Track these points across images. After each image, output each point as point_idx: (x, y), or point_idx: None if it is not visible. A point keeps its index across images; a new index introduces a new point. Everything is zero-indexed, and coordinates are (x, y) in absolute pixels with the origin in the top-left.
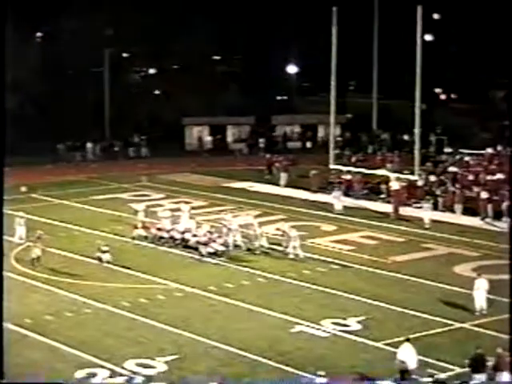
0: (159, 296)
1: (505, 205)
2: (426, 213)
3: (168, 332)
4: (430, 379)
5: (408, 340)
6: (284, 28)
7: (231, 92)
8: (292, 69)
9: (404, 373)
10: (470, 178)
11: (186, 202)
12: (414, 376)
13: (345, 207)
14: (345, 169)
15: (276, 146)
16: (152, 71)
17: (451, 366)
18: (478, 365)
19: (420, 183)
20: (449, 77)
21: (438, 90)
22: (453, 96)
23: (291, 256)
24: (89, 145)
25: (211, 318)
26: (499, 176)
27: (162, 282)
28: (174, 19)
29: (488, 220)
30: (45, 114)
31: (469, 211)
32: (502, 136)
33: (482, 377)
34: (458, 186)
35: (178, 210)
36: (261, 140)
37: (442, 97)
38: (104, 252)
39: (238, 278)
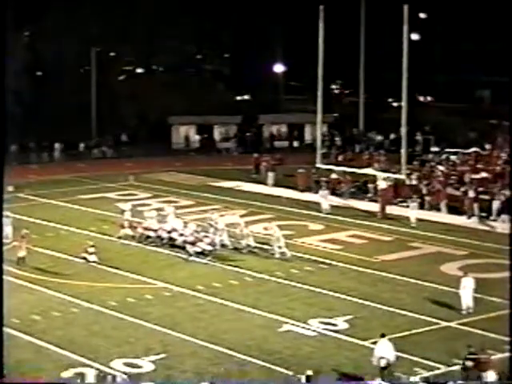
0: (147, 295)
1: (496, 203)
2: (412, 212)
3: (156, 331)
4: (416, 378)
5: (383, 336)
6: (271, 27)
7: (218, 91)
8: (279, 68)
9: (384, 369)
10: (457, 176)
11: (170, 202)
12: (396, 374)
13: (332, 206)
14: (332, 168)
15: (263, 145)
16: (139, 70)
17: (438, 365)
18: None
19: (414, 182)
20: (435, 76)
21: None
22: (439, 95)
23: (277, 256)
24: (56, 145)
25: (199, 318)
26: (485, 174)
27: (149, 281)
28: (160, 18)
29: (474, 219)
30: (31, 113)
31: (455, 210)
32: (489, 135)
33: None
34: (444, 184)
35: (163, 209)
36: (247, 139)
37: (429, 98)
38: (90, 253)
39: (226, 278)
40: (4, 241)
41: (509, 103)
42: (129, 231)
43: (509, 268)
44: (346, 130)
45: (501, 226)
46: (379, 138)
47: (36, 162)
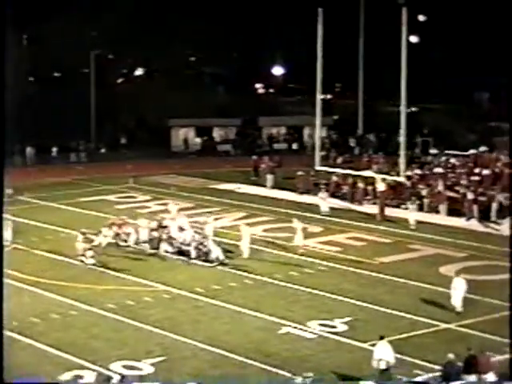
0: (146, 298)
1: (494, 205)
2: (411, 214)
3: (155, 334)
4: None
5: (382, 338)
6: (271, 29)
7: (218, 93)
8: (278, 70)
9: (384, 371)
10: (456, 178)
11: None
12: (395, 376)
13: (331, 208)
14: (331, 170)
15: (262, 148)
16: (138, 73)
17: (437, 367)
18: (470, 366)
19: (413, 184)
20: (434, 78)
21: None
22: (438, 97)
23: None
24: (28, 149)
25: (198, 320)
26: (484, 176)
27: (149, 283)
28: (159, 21)
29: (474, 221)
30: (30, 115)
31: (454, 212)
32: (488, 137)
33: (472, 377)
34: (443, 186)
35: (164, 211)
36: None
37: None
38: (89, 257)
39: (225, 280)
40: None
41: (509, 104)
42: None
43: (509, 270)
44: (345, 132)
45: (504, 228)
46: (378, 140)
47: (23, 164)
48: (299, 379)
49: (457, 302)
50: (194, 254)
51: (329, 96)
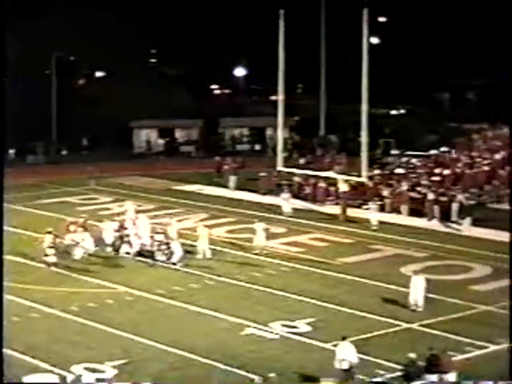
0: (108, 300)
1: (455, 205)
2: (373, 214)
3: (117, 336)
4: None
5: (345, 338)
6: (233, 31)
7: (180, 95)
8: (240, 71)
9: (346, 371)
10: (417, 179)
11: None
12: (358, 376)
13: (294, 209)
14: (293, 171)
15: (224, 149)
16: (100, 74)
17: (399, 367)
18: (432, 366)
19: (375, 185)
20: (395, 79)
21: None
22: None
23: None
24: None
25: (161, 322)
26: (445, 176)
27: (111, 286)
28: (121, 22)
29: (435, 221)
30: None
31: (415, 212)
32: (449, 138)
33: (433, 377)
34: (404, 187)
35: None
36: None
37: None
38: (49, 255)
39: (187, 281)
40: None
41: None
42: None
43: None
44: (307, 133)
45: (465, 228)
46: (340, 141)
47: None
48: (257, 378)
49: (418, 300)
50: (156, 255)
51: (291, 97)
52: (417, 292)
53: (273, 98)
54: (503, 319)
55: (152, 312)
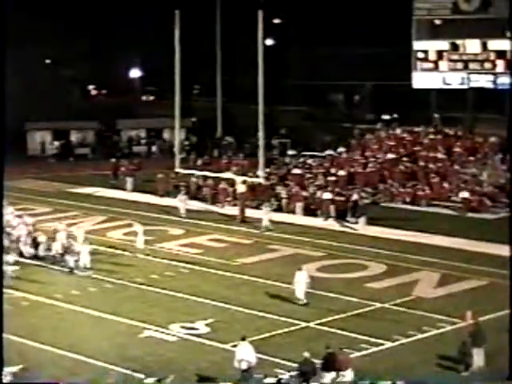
0: (4, 305)
1: (350, 205)
2: (265, 214)
3: (13, 342)
4: (273, 379)
5: (244, 339)
6: (128, 32)
7: (74, 96)
8: (136, 73)
9: (245, 372)
10: (312, 179)
11: (26, 209)
12: (255, 375)
13: (191, 211)
14: (190, 172)
15: (121, 151)
16: None
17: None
18: (328, 363)
19: (271, 185)
20: (290, 80)
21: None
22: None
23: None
24: None
25: (58, 327)
26: (340, 176)
27: (7, 291)
28: (16, 21)
29: (331, 220)
30: None
31: (311, 212)
32: (344, 139)
33: (332, 375)
34: (299, 187)
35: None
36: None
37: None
38: None
39: (85, 285)
40: None
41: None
42: None
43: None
44: (204, 134)
45: (361, 227)
46: (237, 142)
47: None
48: (150, 380)
49: (301, 294)
50: (51, 259)
51: (187, 98)
52: (300, 287)
53: (169, 99)
54: (399, 315)
55: (49, 317)
